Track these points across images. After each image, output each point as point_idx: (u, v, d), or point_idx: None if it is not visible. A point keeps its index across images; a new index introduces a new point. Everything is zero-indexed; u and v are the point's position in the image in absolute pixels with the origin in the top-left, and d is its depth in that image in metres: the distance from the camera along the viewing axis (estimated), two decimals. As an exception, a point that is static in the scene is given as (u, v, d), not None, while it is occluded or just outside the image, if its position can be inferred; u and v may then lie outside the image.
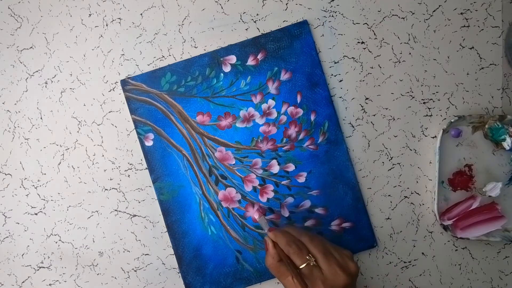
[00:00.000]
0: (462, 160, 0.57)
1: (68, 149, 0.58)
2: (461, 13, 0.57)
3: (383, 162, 0.58)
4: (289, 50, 0.57)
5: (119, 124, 0.58)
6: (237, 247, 0.57)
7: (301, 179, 0.57)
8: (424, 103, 0.58)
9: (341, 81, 0.58)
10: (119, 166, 0.58)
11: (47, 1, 0.58)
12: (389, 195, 0.58)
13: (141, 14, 0.58)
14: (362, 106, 0.58)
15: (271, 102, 0.57)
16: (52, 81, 0.58)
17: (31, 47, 0.58)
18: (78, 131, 0.58)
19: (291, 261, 0.49)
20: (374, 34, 0.58)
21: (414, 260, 0.58)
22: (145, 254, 0.58)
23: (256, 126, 0.58)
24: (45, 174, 0.58)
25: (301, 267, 0.48)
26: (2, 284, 0.58)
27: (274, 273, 0.50)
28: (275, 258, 0.49)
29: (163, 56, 0.58)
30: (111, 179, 0.58)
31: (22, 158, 0.58)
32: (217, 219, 0.57)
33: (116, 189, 0.58)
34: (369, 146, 0.58)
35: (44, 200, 0.58)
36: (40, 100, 0.58)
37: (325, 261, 0.48)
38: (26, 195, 0.58)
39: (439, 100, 0.58)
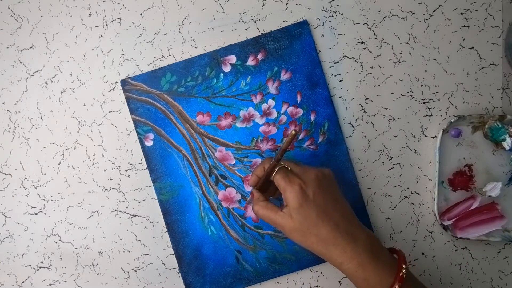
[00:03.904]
0: (462, 160, 0.57)
1: (68, 149, 0.58)
2: (461, 13, 0.57)
3: (383, 162, 0.58)
4: (289, 50, 0.57)
5: (119, 124, 0.58)
6: (237, 247, 0.57)
7: (301, 179, 0.57)
8: (424, 103, 0.58)
9: (341, 81, 0.58)
10: (119, 166, 0.58)
11: (47, 1, 0.58)
12: (389, 195, 0.58)
13: (141, 14, 0.58)
14: (362, 106, 0.58)
15: (271, 102, 0.57)
16: (52, 81, 0.58)
17: (31, 47, 0.58)
18: (78, 131, 0.58)
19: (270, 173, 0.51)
20: (374, 34, 0.58)
21: (414, 260, 0.58)
22: (145, 254, 0.58)
23: (256, 126, 0.57)
24: (45, 174, 0.58)
25: (277, 168, 0.50)
26: (2, 284, 0.58)
27: (264, 213, 0.50)
28: (260, 198, 0.51)
29: (163, 56, 0.58)
30: (111, 179, 0.58)
31: (22, 158, 0.58)
32: (217, 219, 0.57)
33: (116, 189, 0.58)
34: (369, 146, 0.58)
35: (44, 200, 0.58)
36: (40, 100, 0.58)
37: (296, 166, 0.51)
38: (26, 195, 0.58)
39: (439, 100, 0.58)
